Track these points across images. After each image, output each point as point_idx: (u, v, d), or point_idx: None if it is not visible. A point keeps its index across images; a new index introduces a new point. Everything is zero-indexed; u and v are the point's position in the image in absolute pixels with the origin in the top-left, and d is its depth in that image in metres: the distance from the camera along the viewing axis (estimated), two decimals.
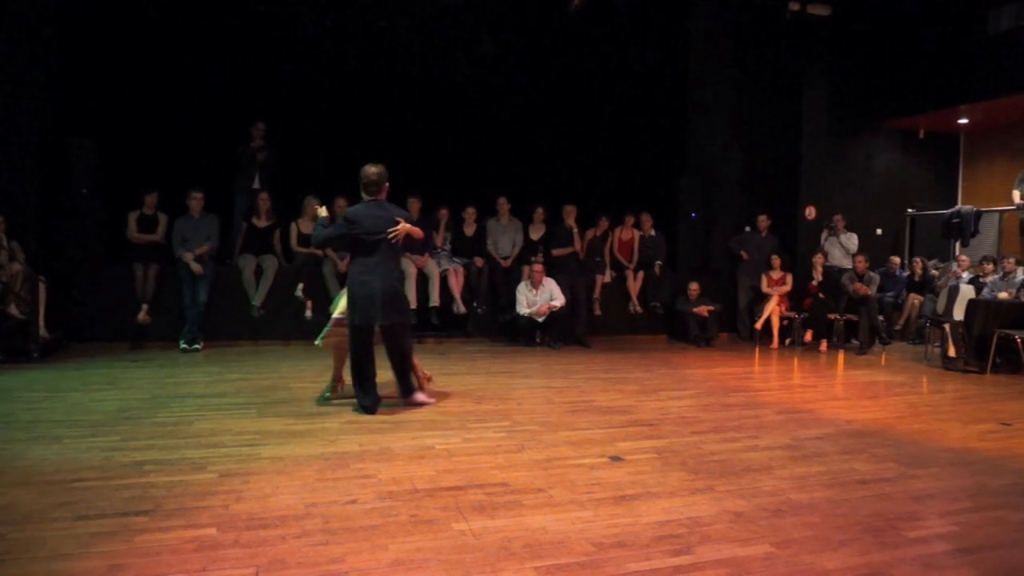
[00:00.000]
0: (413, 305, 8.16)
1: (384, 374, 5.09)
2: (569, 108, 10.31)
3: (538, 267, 8.45)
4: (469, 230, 9.03)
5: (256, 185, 8.60)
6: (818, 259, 9.35)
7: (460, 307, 8.49)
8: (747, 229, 10.02)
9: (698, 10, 10.23)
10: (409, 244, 5.14)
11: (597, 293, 9.17)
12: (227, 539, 2.78)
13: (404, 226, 4.92)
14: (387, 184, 5.00)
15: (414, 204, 8.37)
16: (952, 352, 7.41)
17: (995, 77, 9.60)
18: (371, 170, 4.94)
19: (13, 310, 6.82)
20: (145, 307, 7.62)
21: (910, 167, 11.93)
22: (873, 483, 3.64)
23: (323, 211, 5.23)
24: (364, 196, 4.96)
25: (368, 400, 4.89)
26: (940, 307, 8.23)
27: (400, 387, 5.14)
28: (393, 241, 4.88)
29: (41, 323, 7.03)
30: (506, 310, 8.76)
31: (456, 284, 8.50)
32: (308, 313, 7.96)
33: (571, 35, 9.93)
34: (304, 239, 8.22)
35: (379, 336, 4.97)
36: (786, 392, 6.22)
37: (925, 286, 9.82)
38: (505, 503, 3.24)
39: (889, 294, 9.77)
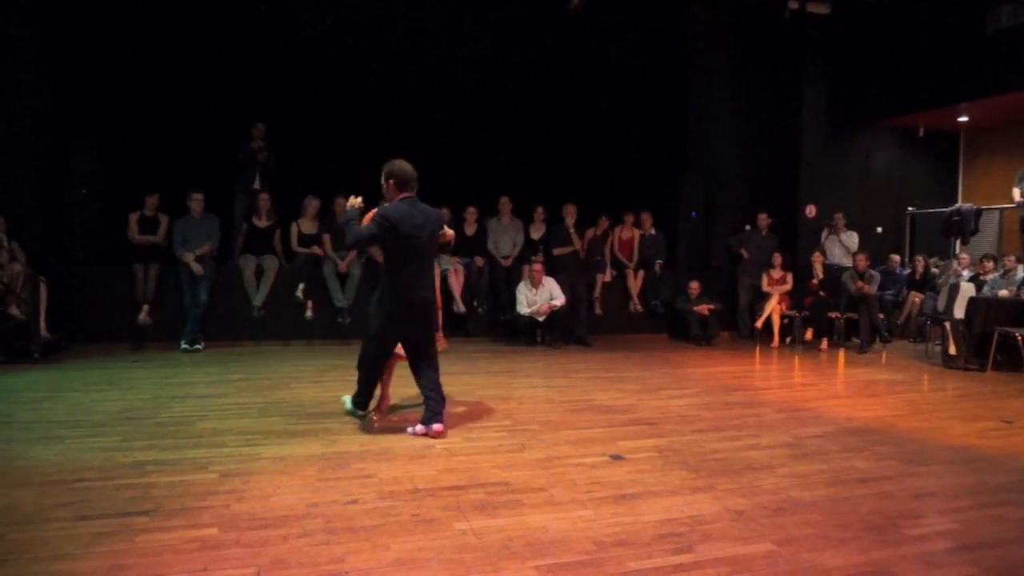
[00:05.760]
0: None
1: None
2: (569, 107, 10.31)
3: (537, 266, 8.45)
4: (470, 229, 9.02)
5: (256, 185, 8.60)
6: (817, 258, 9.35)
7: (460, 306, 8.48)
8: (747, 228, 10.02)
9: (697, 9, 10.23)
10: (440, 247, 4.83)
11: (598, 292, 9.17)
12: (228, 539, 2.79)
13: (449, 231, 4.70)
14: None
15: None
16: (953, 350, 7.41)
17: (994, 75, 9.59)
18: (408, 165, 4.43)
19: (14, 311, 6.83)
20: (146, 308, 7.62)
21: (910, 165, 11.93)
22: (874, 481, 3.65)
23: (358, 201, 4.47)
24: (392, 194, 4.40)
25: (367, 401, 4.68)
26: (941, 305, 8.23)
27: (430, 410, 4.41)
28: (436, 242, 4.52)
29: (42, 324, 7.04)
30: (506, 309, 8.76)
31: (456, 284, 8.50)
32: (308, 314, 7.97)
33: (571, 34, 9.93)
34: (305, 239, 8.22)
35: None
36: (787, 390, 6.22)
37: (926, 284, 9.81)
38: (506, 502, 3.24)
39: (889, 292, 9.77)
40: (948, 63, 10.14)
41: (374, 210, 4.45)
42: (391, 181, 4.41)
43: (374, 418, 4.67)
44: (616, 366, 7.20)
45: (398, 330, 4.46)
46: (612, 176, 10.28)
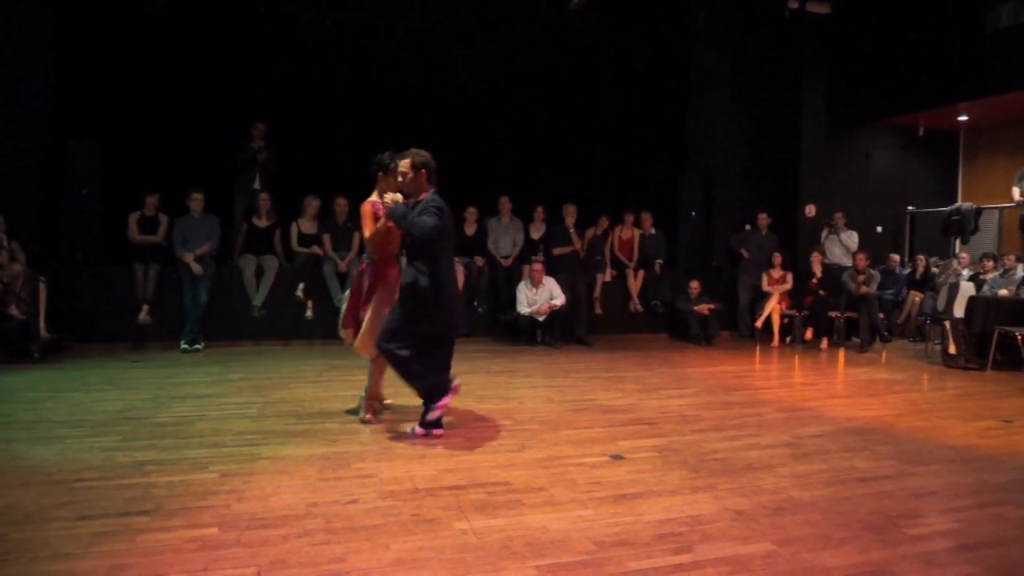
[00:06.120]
0: None
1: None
2: (569, 107, 10.32)
3: (537, 266, 8.45)
4: (470, 229, 9.02)
5: (256, 185, 8.60)
6: (816, 257, 9.36)
7: None
8: (747, 227, 10.02)
9: (697, 8, 10.23)
10: None
11: (598, 292, 9.17)
12: (229, 539, 2.79)
13: None
14: None
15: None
16: (952, 349, 7.41)
17: (994, 75, 9.60)
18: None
19: (14, 311, 6.83)
20: (146, 308, 7.61)
21: (910, 164, 11.93)
22: (874, 480, 3.65)
23: (399, 196, 4.22)
24: (420, 184, 4.23)
25: (444, 385, 4.33)
26: (940, 304, 8.23)
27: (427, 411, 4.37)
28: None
29: (42, 324, 7.04)
30: (507, 309, 8.77)
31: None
32: (308, 313, 7.97)
33: (571, 34, 9.94)
34: (305, 239, 8.22)
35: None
36: (787, 390, 6.22)
37: (925, 283, 9.82)
38: (506, 502, 3.24)
39: (889, 292, 9.77)
40: (948, 63, 10.14)
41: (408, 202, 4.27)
42: (423, 171, 4.21)
43: (367, 416, 4.63)
44: (616, 366, 7.20)
45: (428, 327, 4.21)
46: (612, 176, 10.28)
